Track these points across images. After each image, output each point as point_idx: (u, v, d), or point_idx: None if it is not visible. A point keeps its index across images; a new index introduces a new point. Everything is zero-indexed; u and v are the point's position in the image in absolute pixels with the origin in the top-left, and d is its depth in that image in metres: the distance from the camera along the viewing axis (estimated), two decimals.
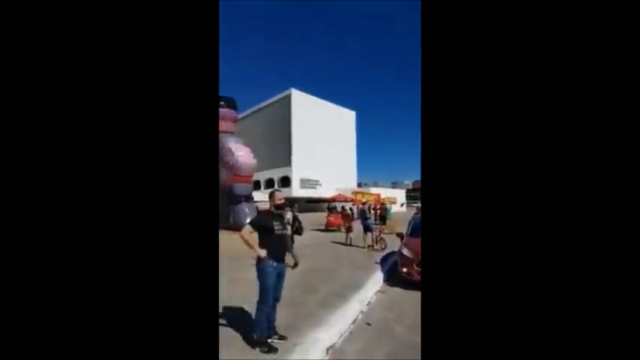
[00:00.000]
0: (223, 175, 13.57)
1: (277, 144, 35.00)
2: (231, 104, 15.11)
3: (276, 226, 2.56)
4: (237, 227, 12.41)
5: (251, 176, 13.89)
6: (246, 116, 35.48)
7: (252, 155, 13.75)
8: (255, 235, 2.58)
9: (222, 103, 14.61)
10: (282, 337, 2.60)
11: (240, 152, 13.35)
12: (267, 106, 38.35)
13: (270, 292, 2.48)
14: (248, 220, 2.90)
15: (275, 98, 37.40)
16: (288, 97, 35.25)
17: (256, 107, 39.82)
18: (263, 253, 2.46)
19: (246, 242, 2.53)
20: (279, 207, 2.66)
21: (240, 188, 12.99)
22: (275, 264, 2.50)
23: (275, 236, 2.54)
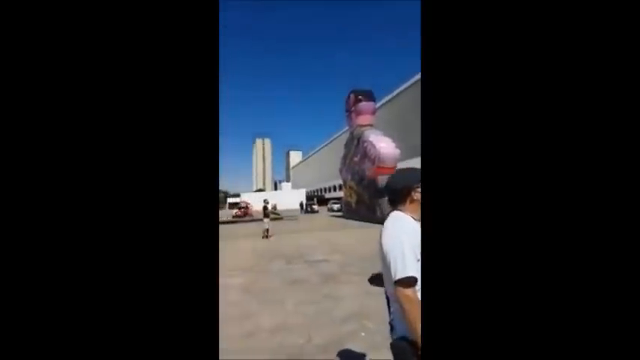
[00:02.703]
0: (367, 169, 13.74)
1: (414, 131, 32.89)
2: (369, 96, 15.08)
3: None
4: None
5: (395, 167, 13.42)
6: (380, 106, 34.76)
7: (394, 145, 13.23)
8: None
9: (359, 97, 14.83)
10: None
11: (381, 144, 13.10)
12: (403, 91, 36.63)
13: None
14: None
15: (411, 81, 35.18)
16: None
17: (394, 93, 38.47)
18: None
19: None
20: None
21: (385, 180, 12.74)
22: None
23: None
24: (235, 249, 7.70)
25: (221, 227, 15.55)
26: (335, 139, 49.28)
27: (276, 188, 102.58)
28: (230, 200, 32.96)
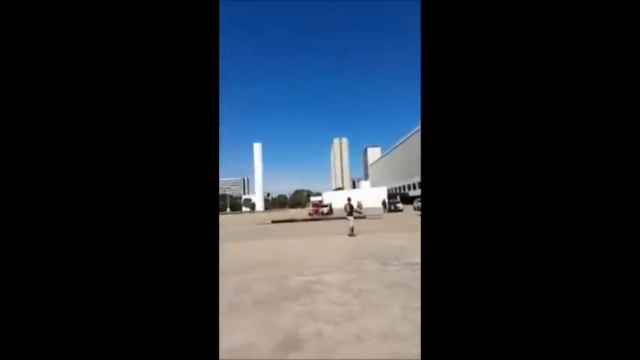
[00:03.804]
0: None
1: None
2: None
3: None
4: None
5: None
6: None
7: None
8: None
9: None
10: None
11: None
12: None
13: None
14: None
15: None
16: None
17: None
18: None
19: None
20: None
21: None
22: None
23: None
24: (322, 245, 7.87)
25: (305, 224, 16.30)
26: (417, 131, 46.14)
27: (354, 186, 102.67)
28: (312, 199, 34.67)
